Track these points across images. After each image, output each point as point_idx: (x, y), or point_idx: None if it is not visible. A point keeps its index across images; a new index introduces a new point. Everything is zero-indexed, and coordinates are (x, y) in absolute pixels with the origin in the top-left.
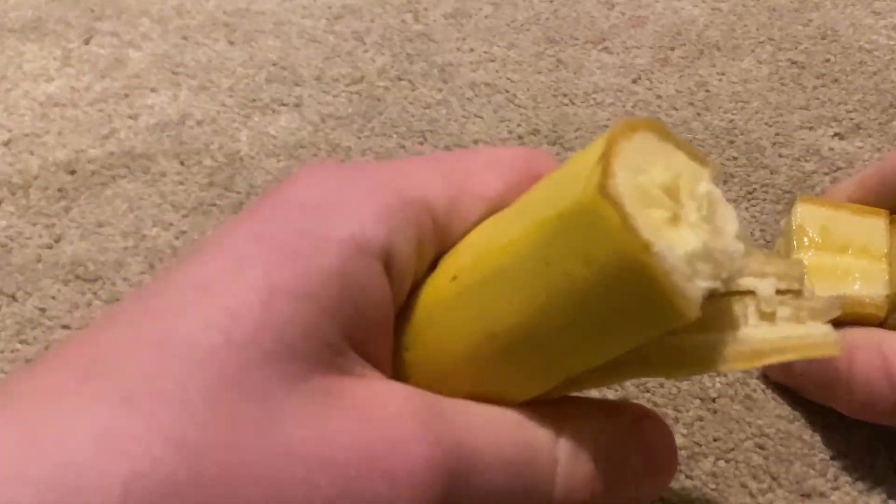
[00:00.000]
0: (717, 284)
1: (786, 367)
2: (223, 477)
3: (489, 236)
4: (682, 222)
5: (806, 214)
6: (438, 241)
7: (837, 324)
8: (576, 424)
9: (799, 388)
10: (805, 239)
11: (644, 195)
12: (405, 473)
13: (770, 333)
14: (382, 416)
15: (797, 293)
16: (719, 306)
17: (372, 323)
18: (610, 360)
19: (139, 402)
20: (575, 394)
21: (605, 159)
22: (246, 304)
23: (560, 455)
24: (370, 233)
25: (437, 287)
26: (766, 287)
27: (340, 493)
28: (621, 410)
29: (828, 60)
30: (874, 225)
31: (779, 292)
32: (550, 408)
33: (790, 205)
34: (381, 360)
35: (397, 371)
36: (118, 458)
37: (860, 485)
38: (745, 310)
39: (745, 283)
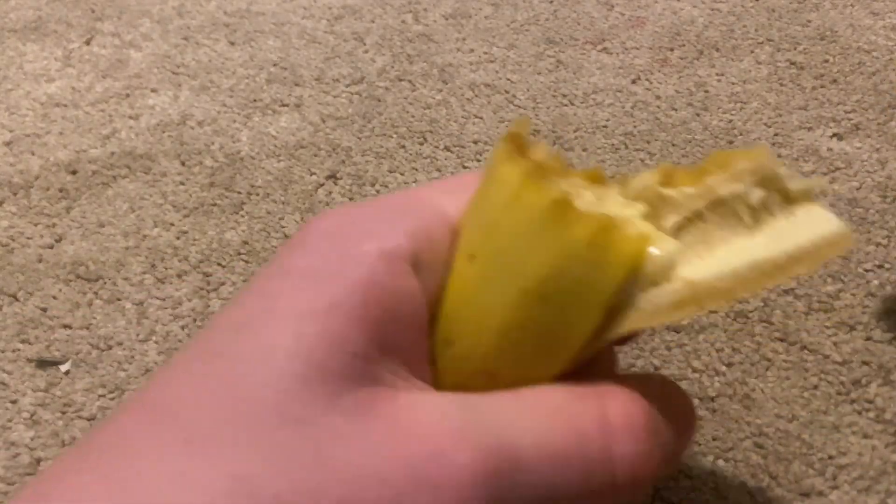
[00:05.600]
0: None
1: None
2: None
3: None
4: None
5: None
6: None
7: None
8: (619, 397)
9: None
10: None
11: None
12: (449, 483)
13: (773, 241)
14: (419, 427)
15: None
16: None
17: (405, 324)
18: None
19: (198, 444)
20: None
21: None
22: (278, 337)
23: (614, 432)
24: (394, 242)
25: (461, 273)
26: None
27: None
28: (649, 380)
29: (826, 61)
30: None
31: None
32: (587, 386)
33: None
34: (420, 362)
35: (439, 371)
36: (193, 495)
37: (859, 484)
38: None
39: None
